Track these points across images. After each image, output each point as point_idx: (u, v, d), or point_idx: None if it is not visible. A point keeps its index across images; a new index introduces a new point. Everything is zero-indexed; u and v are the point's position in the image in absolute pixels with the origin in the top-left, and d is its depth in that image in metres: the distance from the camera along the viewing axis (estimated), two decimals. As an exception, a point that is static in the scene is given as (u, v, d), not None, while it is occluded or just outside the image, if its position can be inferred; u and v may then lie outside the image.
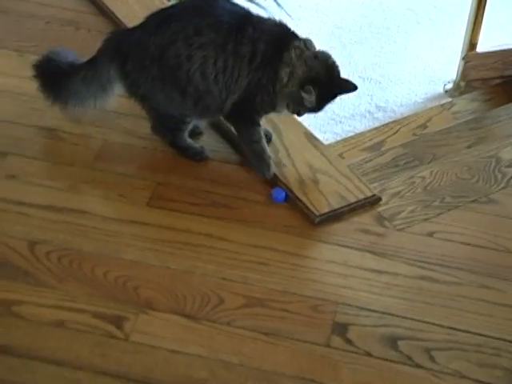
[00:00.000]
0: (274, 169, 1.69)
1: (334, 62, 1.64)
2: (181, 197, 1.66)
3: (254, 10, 3.09)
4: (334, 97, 1.65)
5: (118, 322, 1.40)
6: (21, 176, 1.67)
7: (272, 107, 1.66)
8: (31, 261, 1.49)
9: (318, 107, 1.64)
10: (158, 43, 1.60)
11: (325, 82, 1.61)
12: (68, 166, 1.72)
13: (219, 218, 1.62)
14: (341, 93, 1.65)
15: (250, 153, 1.69)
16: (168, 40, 1.59)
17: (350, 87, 1.64)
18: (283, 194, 1.64)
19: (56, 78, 1.72)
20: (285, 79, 1.60)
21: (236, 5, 1.68)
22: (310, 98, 1.60)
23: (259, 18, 1.66)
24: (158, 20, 1.63)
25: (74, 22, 2.14)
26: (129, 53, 1.63)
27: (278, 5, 3.02)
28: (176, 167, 1.73)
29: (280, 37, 1.63)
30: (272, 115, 1.74)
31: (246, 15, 1.64)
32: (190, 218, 1.61)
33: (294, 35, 1.65)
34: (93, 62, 1.68)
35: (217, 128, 1.82)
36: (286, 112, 1.68)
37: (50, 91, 1.73)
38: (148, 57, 1.61)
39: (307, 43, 1.63)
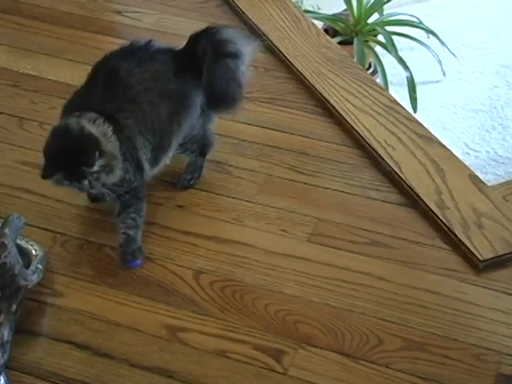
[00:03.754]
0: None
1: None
2: (341, 234, 1.67)
3: (416, 47, 3.08)
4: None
5: (277, 355, 1.42)
6: (188, 207, 1.75)
7: None
8: (196, 289, 1.55)
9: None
10: None
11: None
12: (231, 198, 1.78)
13: (379, 258, 1.61)
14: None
15: None
16: None
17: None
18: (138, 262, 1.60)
19: None
20: None
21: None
22: None
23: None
24: None
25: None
26: None
27: (442, 43, 3.00)
28: (336, 204, 1.74)
29: None
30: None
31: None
32: (349, 256, 1.62)
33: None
34: None
35: (378, 166, 1.82)
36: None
37: None
38: None
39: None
